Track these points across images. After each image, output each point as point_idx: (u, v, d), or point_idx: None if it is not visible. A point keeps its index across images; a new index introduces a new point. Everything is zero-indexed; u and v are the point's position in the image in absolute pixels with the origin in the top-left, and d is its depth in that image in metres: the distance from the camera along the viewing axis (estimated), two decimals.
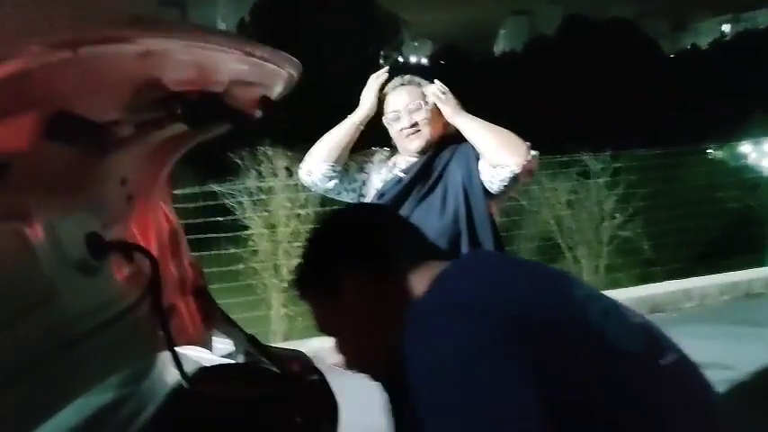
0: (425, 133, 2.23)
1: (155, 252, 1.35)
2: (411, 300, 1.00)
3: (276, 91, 1.22)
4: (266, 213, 6.04)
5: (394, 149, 2.36)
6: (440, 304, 0.95)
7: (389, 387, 1.25)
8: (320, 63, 32.42)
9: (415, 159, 2.27)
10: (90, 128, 0.87)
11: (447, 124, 2.25)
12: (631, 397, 0.91)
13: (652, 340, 1.01)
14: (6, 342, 0.89)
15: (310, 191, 5.94)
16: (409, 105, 2.24)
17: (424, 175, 2.23)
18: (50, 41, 0.66)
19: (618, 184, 6.85)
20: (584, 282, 1.25)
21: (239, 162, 6.24)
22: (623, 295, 5.40)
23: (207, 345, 1.57)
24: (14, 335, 0.91)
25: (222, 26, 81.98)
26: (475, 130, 2.15)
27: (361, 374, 1.40)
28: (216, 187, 5.89)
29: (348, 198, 2.40)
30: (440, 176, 2.22)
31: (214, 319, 1.55)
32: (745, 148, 9.50)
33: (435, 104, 2.23)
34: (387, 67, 2.37)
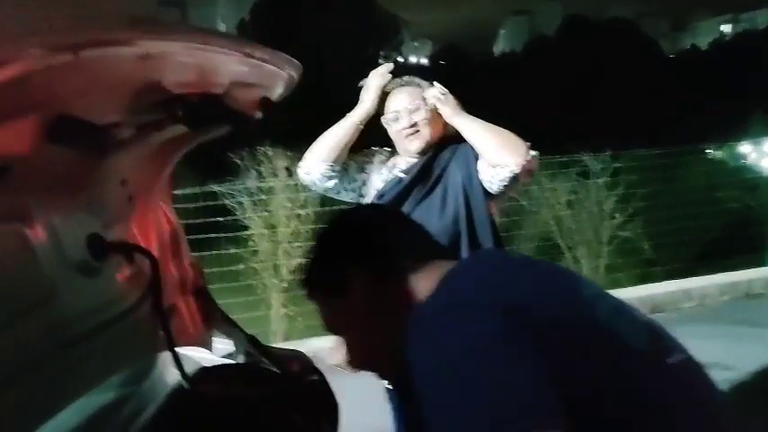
0: (425, 134, 2.23)
1: (155, 252, 1.35)
2: (418, 299, 1.01)
3: (276, 92, 1.22)
4: (266, 213, 6.05)
5: (394, 150, 2.36)
6: (447, 304, 0.95)
7: (396, 385, 1.26)
8: (320, 63, 32.43)
9: (414, 160, 2.27)
10: (90, 130, 0.87)
11: (447, 125, 2.25)
12: (640, 395, 0.91)
13: (659, 339, 1.01)
14: (7, 342, 0.90)
15: (310, 191, 5.96)
16: (408, 106, 2.24)
17: (424, 176, 2.23)
18: (51, 44, 0.66)
19: (618, 185, 6.85)
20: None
21: (239, 162, 6.25)
22: (623, 295, 5.36)
23: (207, 345, 1.57)
24: (15, 335, 0.91)
25: (222, 26, 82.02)
26: (474, 130, 2.16)
27: (368, 373, 1.41)
28: (216, 187, 5.90)
29: (347, 198, 2.40)
30: (440, 177, 2.23)
31: (214, 319, 1.55)
32: (745, 148, 9.52)
33: (435, 105, 2.23)
34: (390, 65, 2.34)
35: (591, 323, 0.96)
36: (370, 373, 1.41)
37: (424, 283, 1.03)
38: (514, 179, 2.10)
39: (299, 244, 6.05)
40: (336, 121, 2.33)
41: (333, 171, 2.29)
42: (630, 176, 6.91)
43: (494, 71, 45.17)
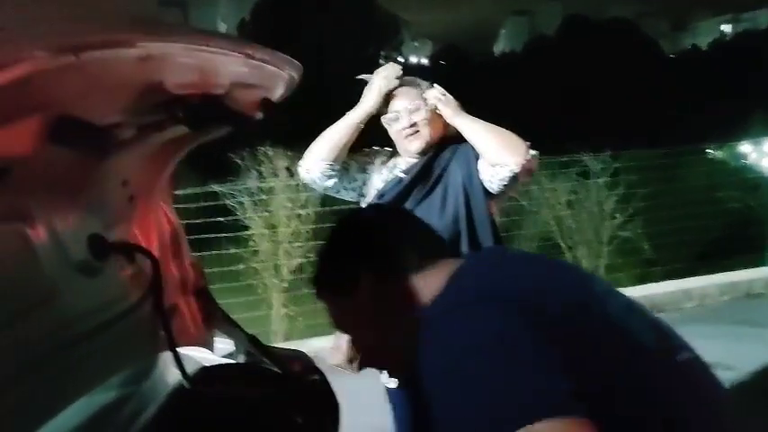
0: (425, 134, 2.23)
1: (156, 252, 1.35)
2: (427, 297, 1.01)
3: (277, 93, 1.22)
4: (267, 214, 6.06)
5: (395, 150, 2.37)
6: (455, 301, 0.95)
7: (404, 383, 1.26)
8: (320, 63, 32.43)
9: (415, 160, 2.27)
10: (92, 131, 0.88)
11: (447, 125, 2.26)
12: (652, 392, 0.90)
13: (668, 338, 1.01)
14: (7, 342, 0.90)
15: (311, 191, 5.99)
16: (408, 106, 2.24)
17: (425, 176, 2.23)
18: (53, 46, 0.67)
19: (618, 185, 6.86)
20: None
21: (240, 163, 6.26)
22: None
23: (208, 345, 1.57)
24: (15, 335, 0.91)
25: (223, 26, 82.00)
26: (475, 130, 2.16)
27: (372, 372, 1.41)
28: (217, 188, 5.91)
29: (348, 197, 2.40)
30: (440, 177, 2.23)
31: (215, 319, 1.56)
32: (746, 148, 9.52)
33: (435, 105, 2.23)
34: (398, 68, 2.32)
35: (602, 319, 0.95)
36: (378, 370, 1.42)
37: (432, 282, 1.03)
38: (514, 178, 2.11)
39: (299, 244, 6.05)
40: (336, 122, 2.33)
41: (332, 170, 2.29)
42: (631, 176, 6.92)
43: (494, 71, 45.19)
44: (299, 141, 2.56)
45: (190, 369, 1.45)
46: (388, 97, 2.28)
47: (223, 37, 0.95)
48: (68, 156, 0.91)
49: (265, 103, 1.18)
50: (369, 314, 1.10)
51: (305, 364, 1.67)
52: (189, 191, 5.65)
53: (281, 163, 6.01)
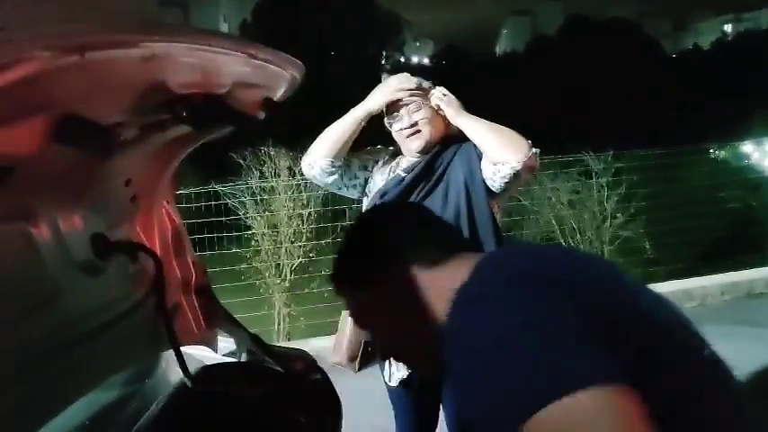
0: (425, 133, 2.24)
1: (159, 252, 1.36)
2: (453, 287, 1.01)
3: (279, 92, 1.23)
4: (269, 213, 6.07)
5: (397, 149, 2.37)
6: (478, 294, 0.95)
7: (424, 378, 1.26)
8: (320, 63, 32.43)
9: (417, 159, 2.27)
10: (95, 130, 0.88)
11: (448, 124, 2.26)
12: (682, 383, 0.89)
13: (695, 333, 1.01)
14: (11, 341, 0.90)
15: (312, 191, 5.99)
16: (409, 106, 2.25)
17: (426, 175, 2.24)
18: (58, 46, 0.67)
19: (619, 184, 6.86)
20: None
21: (242, 162, 6.27)
22: None
23: (210, 344, 1.58)
24: (20, 334, 0.92)
25: (225, 26, 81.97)
26: (477, 129, 2.16)
27: (375, 371, 1.41)
28: (219, 187, 5.92)
29: (349, 194, 2.41)
30: (442, 175, 2.23)
31: (217, 318, 1.56)
32: (748, 148, 9.50)
33: (438, 106, 2.23)
34: (414, 82, 2.31)
35: (633, 310, 0.95)
36: (397, 362, 1.39)
37: (456, 272, 1.03)
38: (516, 176, 2.11)
39: (301, 244, 6.07)
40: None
41: (333, 167, 2.29)
42: (632, 176, 6.92)
43: (495, 71, 45.16)
44: (300, 141, 2.56)
45: (192, 368, 1.46)
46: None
47: (225, 37, 0.95)
48: (72, 155, 0.92)
49: (268, 103, 1.19)
50: (389, 307, 1.10)
51: (307, 363, 1.67)
52: (191, 190, 5.67)
53: (283, 163, 6.03)
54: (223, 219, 5.85)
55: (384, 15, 48.42)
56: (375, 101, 2.26)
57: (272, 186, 6.05)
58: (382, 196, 2.25)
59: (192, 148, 1.32)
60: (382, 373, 2.35)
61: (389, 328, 1.12)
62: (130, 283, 1.24)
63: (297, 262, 6.09)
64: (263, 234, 6.06)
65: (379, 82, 2.35)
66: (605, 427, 0.73)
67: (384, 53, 43.96)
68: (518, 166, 2.08)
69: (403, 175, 2.26)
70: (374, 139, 2.49)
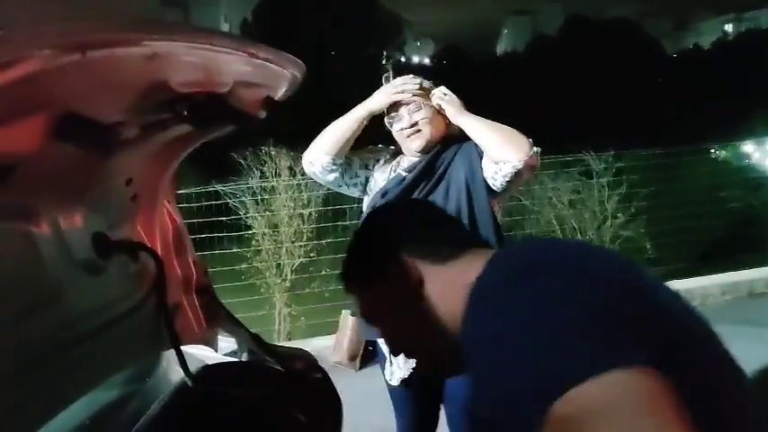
0: (426, 133, 2.24)
1: (159, 251, 1.36)
2: (468, 279, 1.01)
3: (280, 92, 1.23)
4: (269, 213, 6.07)
5: (399, 148, 2.37)
6: (507, 274, 0.94)
7: (435, 371, 1.26)
8: (320, 63, 32.43)
9: (418, 159, 2.27)
10: (97, 129, 0.88)
11: (449, 124, 2.26)
12: (700, 377, 0.89)
13: (711, 330, 1.01)
14: (11, 341, 0.90)
15: (313, 191, 5.99)
16: (410, 105, 2.25)
17: (427, 174, 2.24)
18: (59, 44, 0.67)
19: (620, 184, 6.86)
20: None
21: (242, 162, 6.27)
22: None
23: (211, 343, 1.58)
24: (20, 334, 0.92)
25: (225, 26, 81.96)
26: (478, 128, 2.16)
27: (403, 364, 1.38)
28: (219, 187, 5.92)
29: (350, 193, 2.40)
30: (443, 174, 2.23)
31: (218, 317, 1.56)
32: (748, 147, 9.50)
33: (436, 104, 2.23)
34: (418, 83, 2.31)
35: (653, 304, 0.94)
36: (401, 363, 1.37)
37: (466, 270, 1.03)
38: (518, 175, 2.11)
39: (301, 243, 6.07)
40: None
41: (334, 164, 2.29)
42: (633, 176, 6.92)
43: (496, 71, 45.16)
44: (301, 141, 2.56)
45: (193, 367, 1.46)
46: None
47: (227, 36, 0.95)
48: (73, 154, 0.92)
49: (269, 102, 1.19)
50: (402, 303, 1.10)
51: (307, 362, 1.68)
52: (192, 190, 5.67)
53: (284, 163, 6.03)
54: (224, 218, 5.85)
55: (384, 15, 48.37)
56: (377, 100, 2.27)
57: (273, 186, 6.05)
58: (383, 195, 2.25)
59: (193, 148, 1.32)
60: (383, 372, 2.35)
61: (401, 324, 1.12)
62: (131, 283, 1.24)
63: (297, 262, 6.08)
64: (264, 234, 6.06)
65: (380, 82, 2.35)
66: (634, 407, 0.72)
67: (384, 53, 43.90)
68: (520, 165, 2.08)
69: (404, 174, 2.26)
70: (374, 138, 2.48)
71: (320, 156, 2.28)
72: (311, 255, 6.13)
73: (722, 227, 7.80)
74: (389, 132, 2.33)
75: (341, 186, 2.37)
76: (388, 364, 2.32)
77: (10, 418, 0.89)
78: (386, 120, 2.30)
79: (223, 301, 1.60)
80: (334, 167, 2.29)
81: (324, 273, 6.15)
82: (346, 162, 2.32)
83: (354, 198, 2.54)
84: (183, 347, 1.36)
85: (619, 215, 6.88)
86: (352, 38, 40.04)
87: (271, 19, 40.12)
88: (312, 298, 6.18)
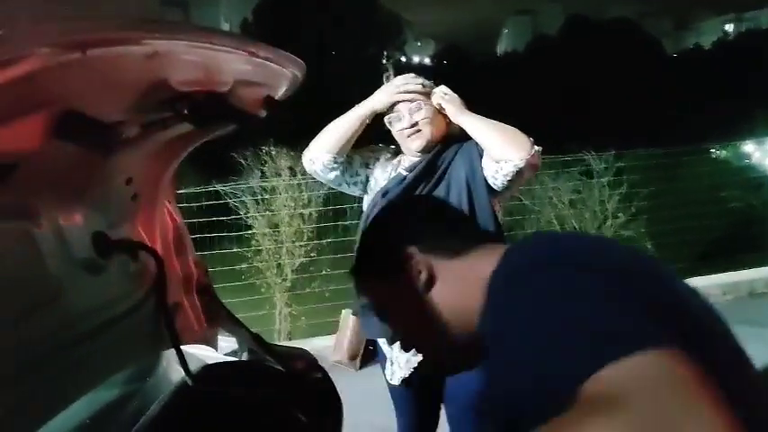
0: (426, 133, 2.23)
1: (160, 251, 1.35)
2: (481, 277, 1.01)
3: (280, 91, 1.22)
4: (269, 213, 6.07)
5: (399, 148, 2.37)
6: (527, 265, 0.94)
7: (449, 369, 1.27)
8: (320, 63, 32.44)
9: (418, 158, 2.27)
10: (97, 128, 0.88)
11: (449, 124, 2.26)
12: (721, 371, 0.89)
13: (728, 327, 1.01)
14: (11, 341, 0.90)
15: (313, 191, 5.99)
16: (410, 105, 2.24)
17: (428, 173, 2.23)
18: (60, 43, 0.67)
19: (621, 184, 6.86)
20: None
21: (243, 162, 6.27)
22: None
23: (212, 343, 1.58)
24: (21, 333, 0.91)
25: (225, 26, 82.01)
26: (479, 128, 2.16)
27: (403, 364, 1.36)
28: (219, 187, 5.93)
29: (350, 191, 2.40)
30: (443, 174, 2.23)
31: (219, 317, 1.56)
32: (748, 147, 9.50)
33: (437, 103, 2.23)
34: (419, 83, 2.31)
35: (673, 296, 0.94)
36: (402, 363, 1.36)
37: (479, 263, 1.04)
38: (519, 174, 2.10)
39: (302, 243, 6.07)
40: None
41: (335, 163, 2.29)
42: (633, 176, 6.92)
43: (496, 71, 45.17)
44: (301, 141, 2.56)
45: (193, 367, 1.46)
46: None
47: (227, 35, 0.95)
48: (73, 153, 0.91)
49: (269, 101, 1.18)
50: (414, 298, 1.09)
51: (308, 362, 1.67)
52: (192, 190, 5.67)
53: (284, 162, 6.03)
54: (224, 218, 5.85)
55: (385, 15, 48.40)
56: (379, 99, 2.26)
57: (273, 186, 6.05)
58: (384, 195, 2.25)
59: (194, 147, 1.32)
60: (384, 371, 2.35)
61: (414, 319, 1.12)
62: (131, 282, 1.24)
63: (298, 261, 6.09)
64: (264, 233, 6.06)
65: (380, 82, 2.35)
66: (667, 386, 0.72)
67: (385, 53, 43.90)
68: (521, 164, 2.07)
69: (405, 173, 2.26)
70: (374, 137, 2.48)
71: (321, 154, 2.28)
72: (311, 254, 6.14)
73: (722, 227, 7.80)
74: (389, 131, 2.33)
75: (341, 185, 2.37)
76: (388, 363, 2.32)
77: (10, 418, 0.89)
78: (386, 119, 2.30)
79: (223, 301, 1.60)
80: (335, 166, 2.29)
81: (324, 272, 6.16)
82: (347, 160, 2.31)
83: (355, 197, 2.54)
84: (183, 347, 1.36)
85: (619, 215, 6.88)
86: (352, 38, 40.04)
87: (271, 19, 40.13)
88: (312, 298, 6.19)
